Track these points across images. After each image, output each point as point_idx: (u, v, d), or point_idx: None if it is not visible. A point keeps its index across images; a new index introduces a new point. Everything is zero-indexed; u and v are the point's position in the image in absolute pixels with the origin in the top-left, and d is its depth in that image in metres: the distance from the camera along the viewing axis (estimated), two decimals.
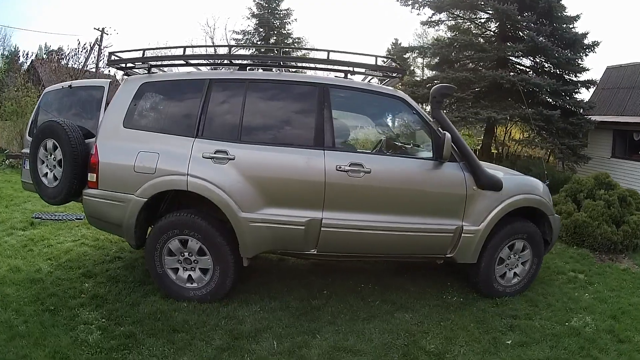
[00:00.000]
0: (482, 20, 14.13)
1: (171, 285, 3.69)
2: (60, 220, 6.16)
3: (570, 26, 13.25)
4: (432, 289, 4.26)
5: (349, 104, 4.13)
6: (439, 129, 3.82)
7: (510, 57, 13.17)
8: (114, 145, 3.64)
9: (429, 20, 14.36)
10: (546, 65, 13.21)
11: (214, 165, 3.48)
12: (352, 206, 3.61)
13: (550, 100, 12.81)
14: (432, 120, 3.88)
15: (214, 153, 3.50)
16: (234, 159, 3.49)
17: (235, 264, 3.60)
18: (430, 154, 3.84)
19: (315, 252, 3.69)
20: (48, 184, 4.13)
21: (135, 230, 3.61)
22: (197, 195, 3.48)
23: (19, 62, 20.10)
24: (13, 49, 22.59)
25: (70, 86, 4.85)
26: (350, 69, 3.87)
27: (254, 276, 4.26)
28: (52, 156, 4.08)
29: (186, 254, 3.65)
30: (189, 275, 3.69)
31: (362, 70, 4.05)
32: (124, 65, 4.03)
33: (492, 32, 14.03)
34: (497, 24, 13.53)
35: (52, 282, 4.07)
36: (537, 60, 13.20)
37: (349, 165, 3.57)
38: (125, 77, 4.07)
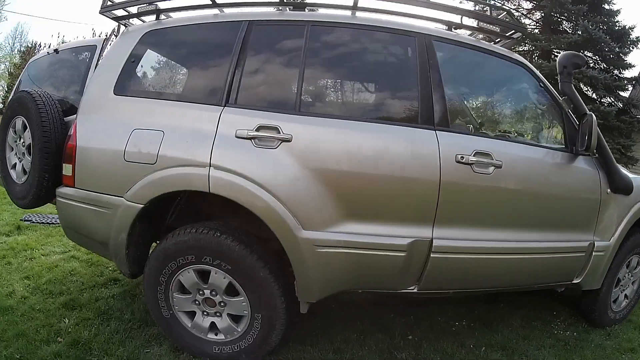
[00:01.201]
0: (525, 12, 12.61)
1: (184, 335, 2.28)
2: (52, 224, 4.81)
3: (614, 19, 11.84)
4: (537, 321, 3.10)
5: (457, 66, 2.62)
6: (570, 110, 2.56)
7: (554, 50, 11.64)
8: (100, 121, 2.27)
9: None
10: (591, 60, 11.67)
11: (255, 149, 2.03)
12: (475, 219, 2.25)
13: (596, 96, 11.29)
14: (562, 97, 2.58)
15: (256, 130, 2.05)
16: (289, 141, 2.03)
17: (286, 310, 2.15)
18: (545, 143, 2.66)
19: (415, 290, 2.27)
20: (16, 178, 2.78)
21: (127, 252, 2.21)
22: (225, 200, 2.05)
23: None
24: (30, 45, 21.50)
25: (56, 50, 3.53)
26: (459, 18, 2.46)
27: (306, 316, 2.81)
28: (22, 140, 2.72)
29: (207, 291, 2.21)
30: (212, 322, 2.26)
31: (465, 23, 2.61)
32: (123, 14, 2.63)
33: (535, 23, 12.49)
34: (542, 14, 11.98)
35: (24, 313, 2.77)
36: (584, 54, 11.67)
37: (474, 155, 2.16)
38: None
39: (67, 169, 2.31)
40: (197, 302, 2.24)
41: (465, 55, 2.50)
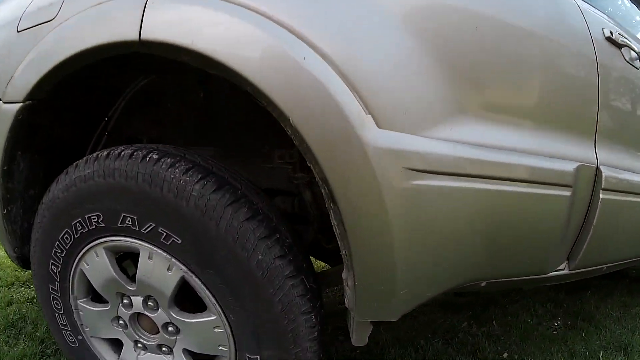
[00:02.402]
0: None
1: None
2: None
3: None
4: (634, 308, 2.23)
5: None
6: None
7: None
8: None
9: None
10: None
11: None
12: (633, 135, 1.23)
13: None
14: None
15: None
16: None
17: (319, 343, 0.82)
18: None
19: (565, 272, 1.01)
20: None
21: (5, 212, 1.00)
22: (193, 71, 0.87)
23: None
24: None
25: None
26: None
27: (336, 338, 1.51)
28: None
29: (136, 299, 0.93)
30: None
31: None
32: None
33: None
34: None
35: None
36: None
37: (620, 35, 1.19)
38: None
39: None
40: (120, 321, 0.99)
41: None
